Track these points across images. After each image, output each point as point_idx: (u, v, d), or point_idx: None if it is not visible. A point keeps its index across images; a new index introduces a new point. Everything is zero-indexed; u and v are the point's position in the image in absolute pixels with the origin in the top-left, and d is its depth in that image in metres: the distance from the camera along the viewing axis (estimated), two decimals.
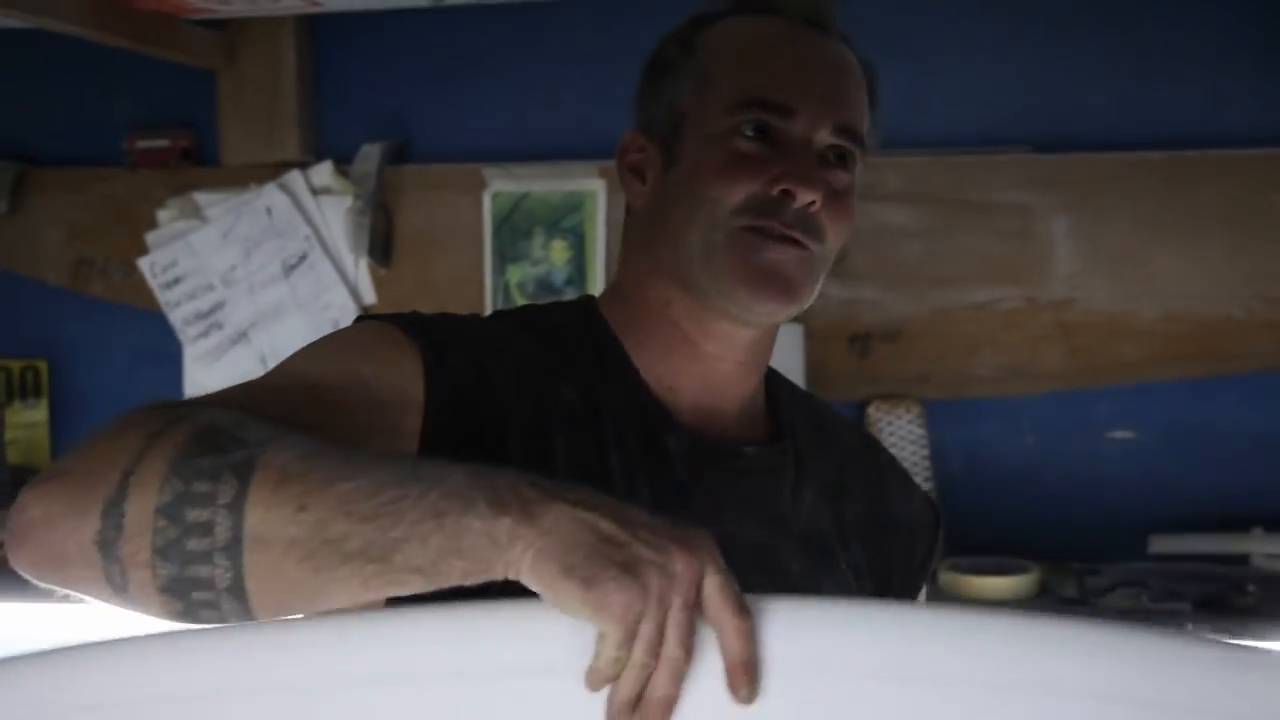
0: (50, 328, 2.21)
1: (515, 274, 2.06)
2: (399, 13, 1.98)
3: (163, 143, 2.13)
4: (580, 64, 2.07)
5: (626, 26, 2.10)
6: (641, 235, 1.04)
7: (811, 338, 1.98)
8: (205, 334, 2.09)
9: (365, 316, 0.97)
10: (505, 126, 2.08)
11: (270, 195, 2.06)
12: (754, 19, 1.05)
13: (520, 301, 2.08)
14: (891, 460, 1.21)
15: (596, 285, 2.08)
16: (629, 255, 1.06)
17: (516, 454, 0.92)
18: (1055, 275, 1.94)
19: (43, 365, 2.21)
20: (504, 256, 2.07)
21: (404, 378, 0.89)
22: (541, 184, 2.03)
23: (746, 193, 0.98)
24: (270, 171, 2.07)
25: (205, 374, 2.08)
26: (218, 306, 2.09)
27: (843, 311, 1.99)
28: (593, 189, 2.07)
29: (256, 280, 2.08)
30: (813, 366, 1.99)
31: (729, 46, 1.03)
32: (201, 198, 2.10)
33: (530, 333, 1.00)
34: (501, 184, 2.04)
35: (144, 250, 2.12)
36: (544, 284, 2.08)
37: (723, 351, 1.04)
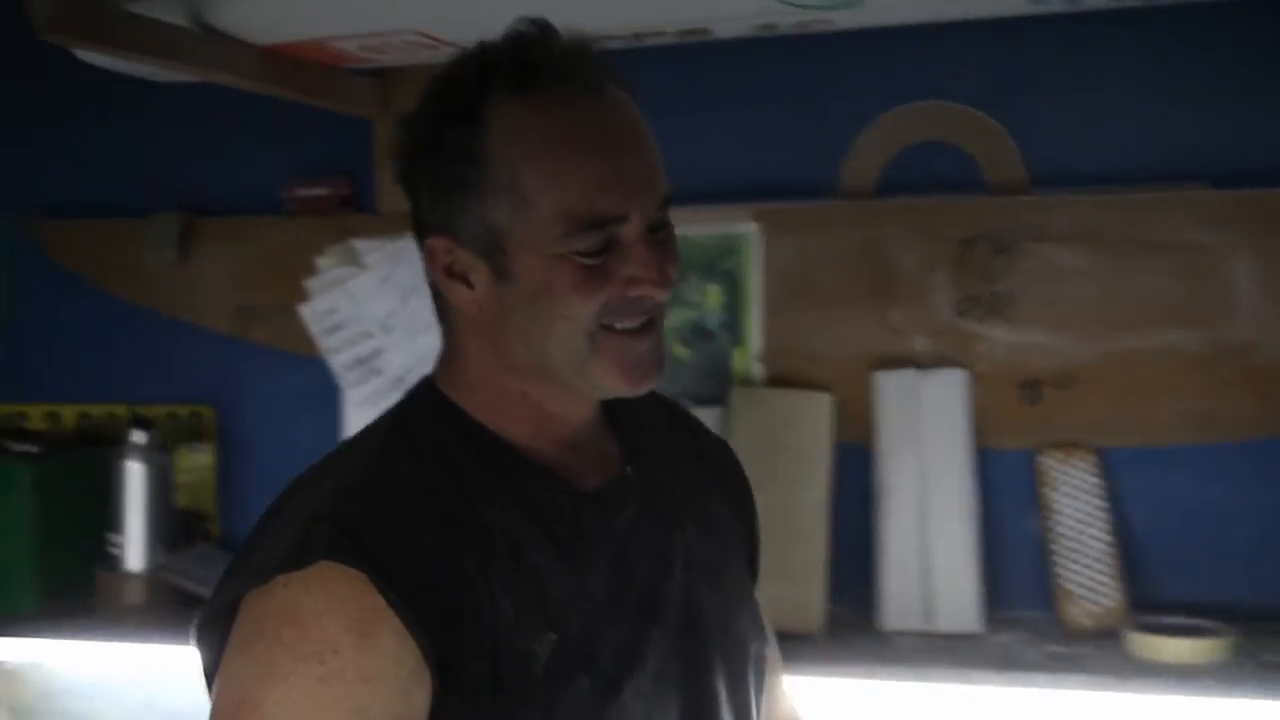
0: (215, 374, 2.25)
1: (672, 319, 2.04)
2: None
3: (321, 191, 2.16)
4: (731, 104, 2.05)
5: (775, 65, 2.09)
6: (485, 339, 1.05)
7: (978, 384, 1.91)
8: (365, 380, 2.11)
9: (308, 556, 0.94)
10: None
11: None
12: (538, 102, 1.00)
13: (678, 351, 2.06)
14: (686, 410, 1.32)
15: (751, 330, 2.04)
16: (472, 353, 1.07)
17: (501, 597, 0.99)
18: (1238, 317, 1.84)
19: (209, 411, 2.25)
20: None
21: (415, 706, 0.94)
22: (695, 227, 2.00)
23: (601, 302, 1.00)
24: None
25: (366, 419, 2.08)
26: (376, 352, 2.11)
27: (1011, 356, 1.91)
28: (746, 232, 2.04)
29: (414, 326, 2.09)
30: (979, 414, 1.92)
31: (533, 157, 0.99)
32: (360, 244, 2.12)
33: (419, 460, 1.02)
34: None
35: (304, 297, 2.15)
36: (698, 329, 2.05)
37: (582, 414, 1.10)
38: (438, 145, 1.01)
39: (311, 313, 2.12)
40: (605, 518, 1.08)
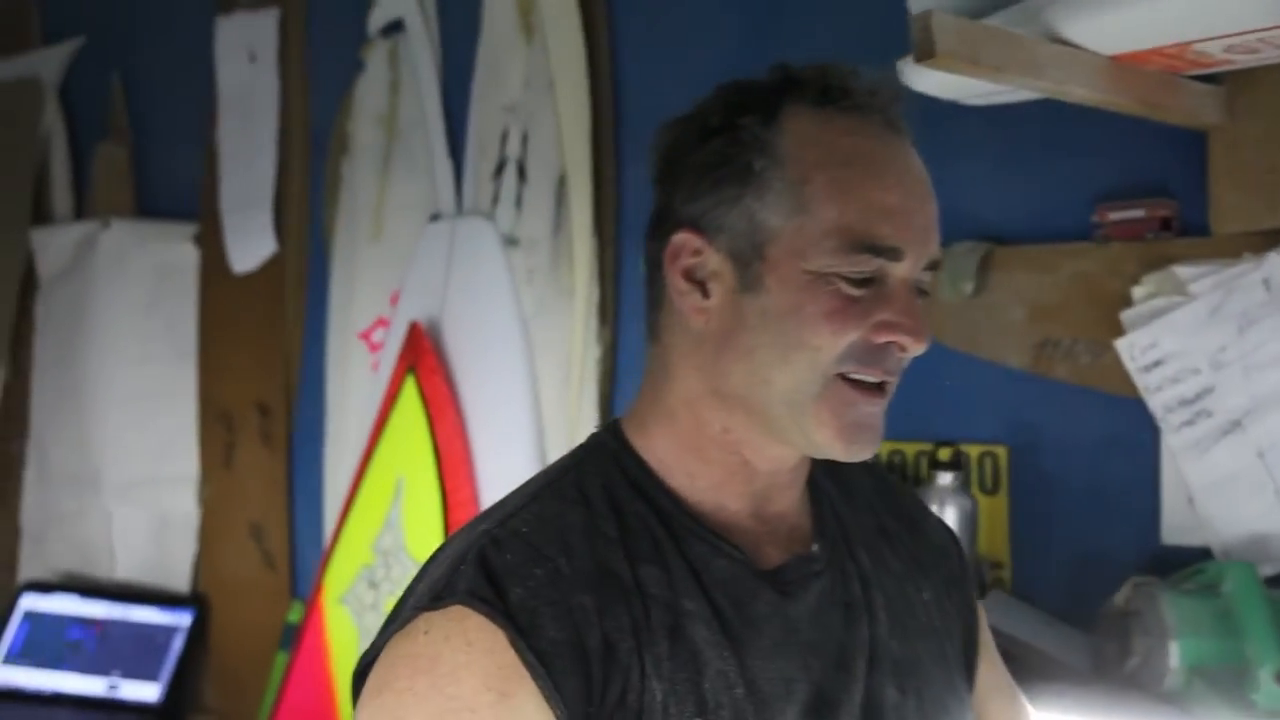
0: (1010, 413, 2.12)
1: None
2: None
3: (1138, 213, 1.95)
4: None
5: None
6: (702, 356, 0.98)
7: None
8: (1191, 422, 1.87)
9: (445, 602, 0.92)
10: None
11: (1271, 266, 1.80)
12: (839, 121, 0.96)
13: None
14: (899, 482, 1.24)
15: None
16: (680, 373, 0.99)
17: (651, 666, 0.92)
18: None
19: (1002, 451, 2.12)
20: None
21: None
22: None
23: (851, 340, 0.94)
24: (1269, 240, 1.81)
25: (1191, 466, 1.85)
26: (1205, 392, 1.86)
27: None
28: None
29: (1252, 362, 1.82)
30: None
31: (827, 166, 0.94)
32: (1183, 271, 1.89)
33: (584, 508, 0.96)
34: None
35: (1114, 330, 1.95)
36: None
37: (777, 468, 1.02)
38: (723, 132, 0.96)
39: (1129, 347, 1.92)
40: (781, 599, 0.99)
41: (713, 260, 0.99)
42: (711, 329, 1.00)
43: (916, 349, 0.98)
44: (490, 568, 0.92)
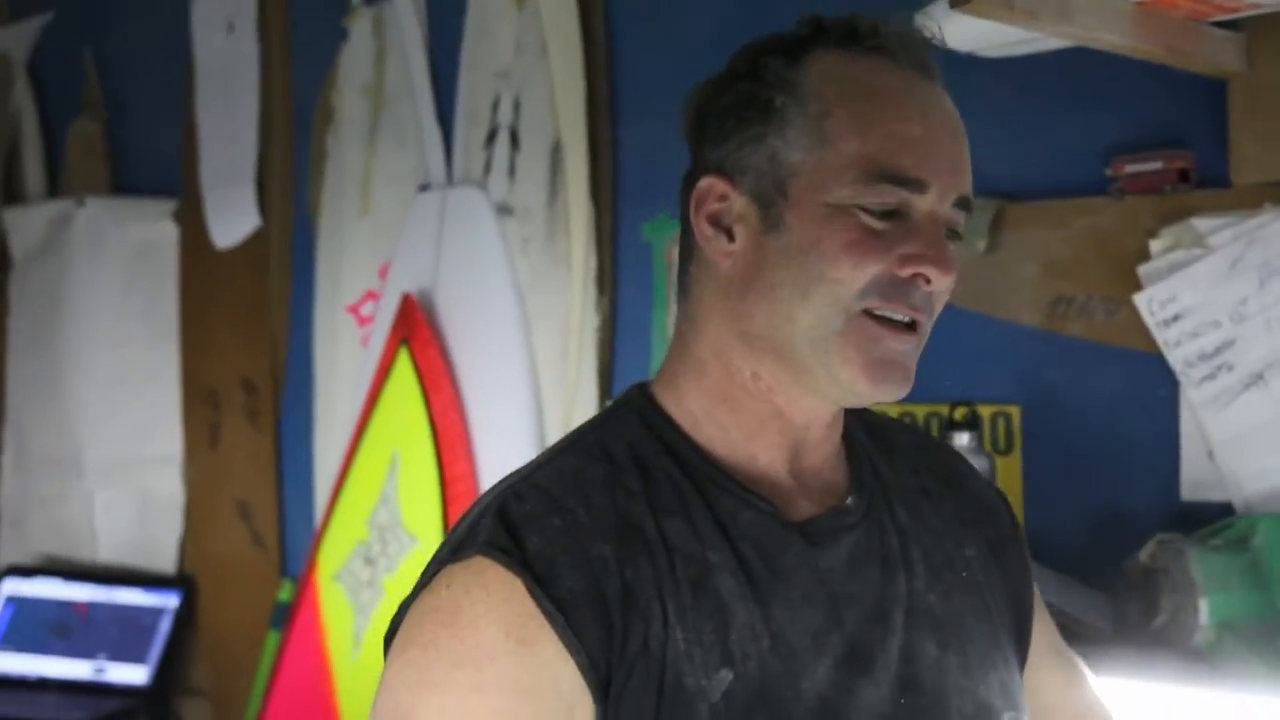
0: (1023, 372, 2.09)
1: None
2: None
3: (1154, 165, 1.92)
4: None
5: None
6: (729, 301, 0.96)
7: None
8: (1211, 376, 1.85)
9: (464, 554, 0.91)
10: None
11: None
12: (864, 61, 0.95)
13: None
14: (945, 444, 1.23)
15: None
16: (708, 321, 0.98)
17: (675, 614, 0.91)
18: None
19: (1015, 411, 2.09)
20: None
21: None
22: None
23: (873, 274, 0.91)
24: None
25: (1212, 421, 1.83)
26: (1226, 345, 1.84)
27: None
28: None
29: (1273, 315, 1.80)
30: None
31: (849, 99, 0.93)
32: (1202, 223, 1.86)
33: (607, 463, 0.95)
34: None
35: (1130, 286, 1.92)
36: None
37: (810, 420, 0.99)
38: (748, 75, 0.96)
39: (1147, 302, 1.90)
40: (812, 552, 0.97)
41: (738, 204, 0.97)
42: (737, 272, 0.98)
43: (942, 282, 0.95)
44: (509, 519, 0.92)
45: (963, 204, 0.97)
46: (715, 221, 0.98)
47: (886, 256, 0.93)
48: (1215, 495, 1.85)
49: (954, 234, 0.98)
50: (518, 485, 0.95)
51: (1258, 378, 1.80)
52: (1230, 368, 1.83)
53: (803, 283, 0.93)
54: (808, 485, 1.02)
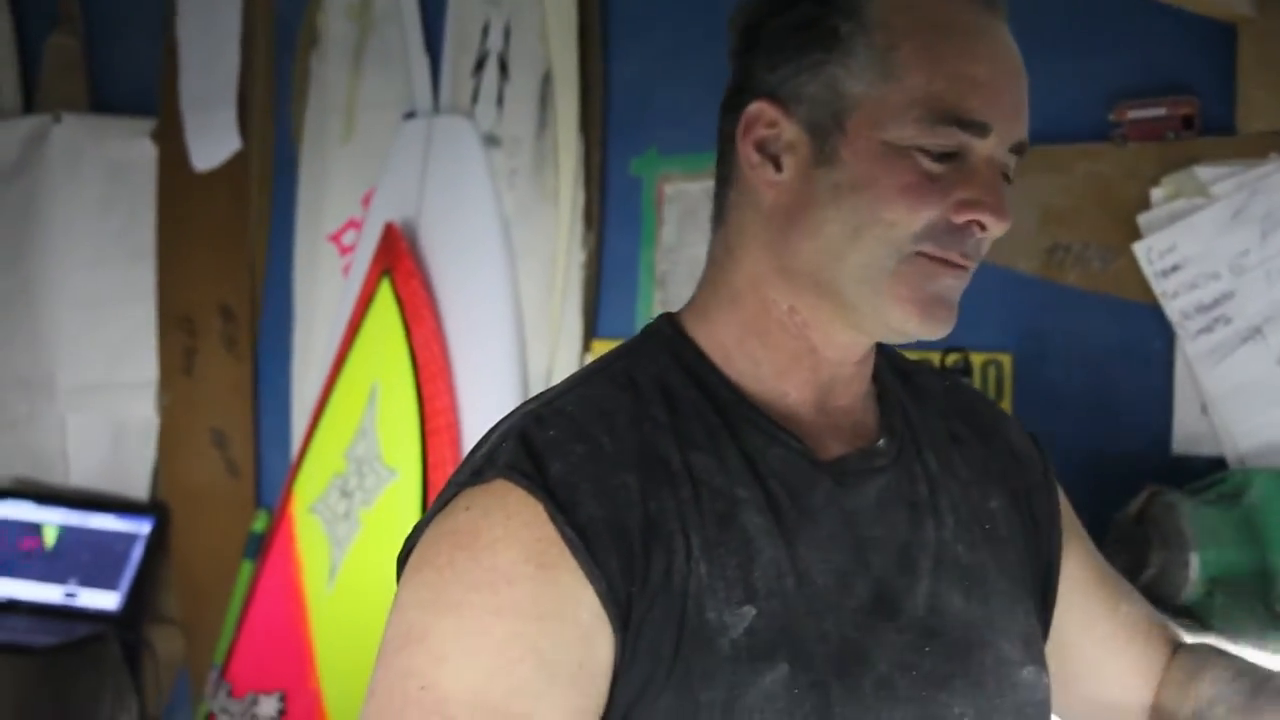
0: (1016, 319, 2.06)
1: None
2: None
3: (1158, 111, 1.88)
4: None
5: None
6: (770, 232, 0.94)
7: None
8: (1209, 329, 1.82)
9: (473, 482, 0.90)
10: None
11: None
12: None
13: None
14: (975, 390, 1.18)
15: None
16: (746, 252, 0.96)
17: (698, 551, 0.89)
18: None
19: (1006, 359, 2.06)
20: None
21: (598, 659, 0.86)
22: None
23: (929, 219, 0.89)
24: None
25: (1208, 374, 1.80)
26: (1224, 297, 1.81)
27: None
28: None
29: (1275, 267, 1.77)
30: None
31: (916, 33, 0.90)
32: (1205, 172, 1.83)
33: (633, 392, 0.93)
34: None
35: (1130, 235, 1.89)
36: None
37: (844, 357, 0.98)
38: None
39: (1146, 251, 1.86)
40: (841, 492, 0.95)
41: (789, 132, 0.93)
42: (782, 204, 0.94)
43: (998, 229, 0.92)
44: (531, 443, 0.90)
45: (1019, 148, 0.95)
46: (762, 148, 0.95)
47: (943, 201, 0.90)
48: (1208, 449, 1.83)
49: (1006, 178, 0.95)
50: (540, 410, 0.93)
51: (1256, 331, 1.77)
52: (1228, 320, 1.80)
53: (854, 222, 0.91)
54: (838, 424, 1.00)
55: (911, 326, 0.93)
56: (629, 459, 0.90)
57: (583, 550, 0.85)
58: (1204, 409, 1.82)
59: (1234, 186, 1.80)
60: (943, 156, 0.90)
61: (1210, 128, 1.85)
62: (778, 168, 0.94)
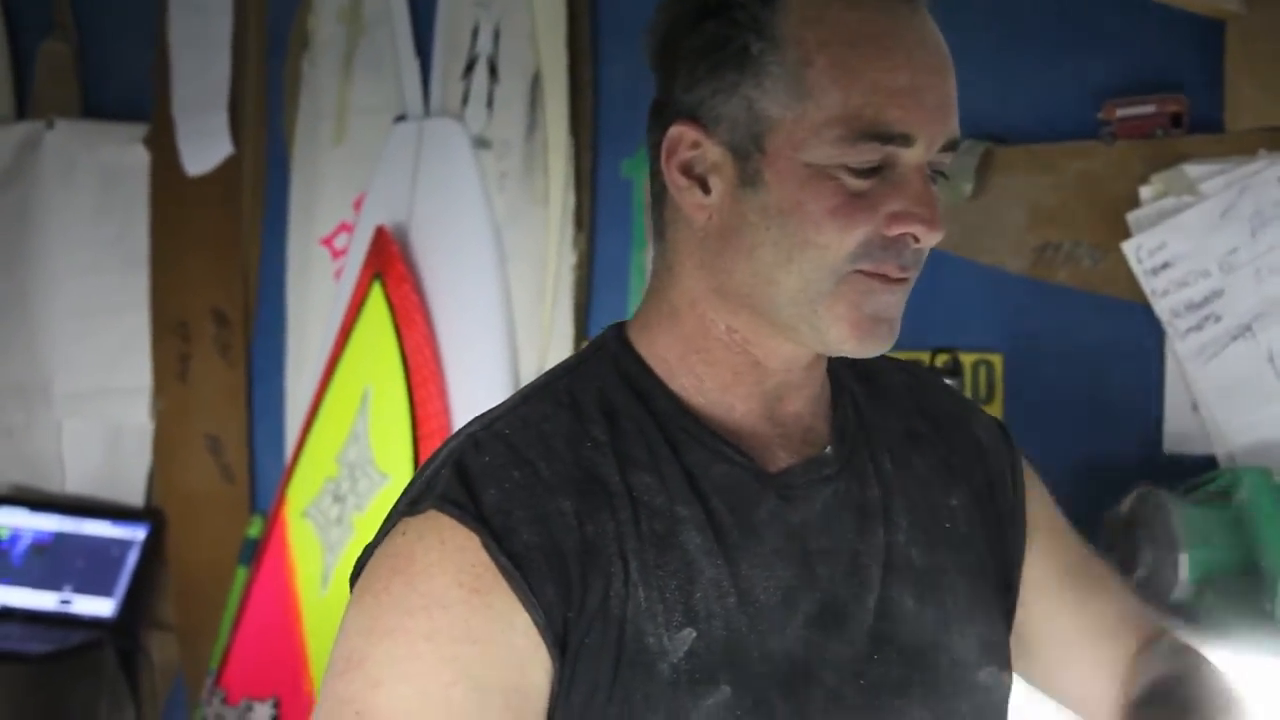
0: (1006, 319, 2.05)
1: None
2: None
3: (1147, 109, 1.88)
4: None
5: None
6: (705, 253, 0.92)
7: None
8: (1198, 327, 1.81)
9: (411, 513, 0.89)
10: None
11: None
12: None
13: None
14: (938, 381, 1.16)
15: None
16: (683, 270, 0.94)
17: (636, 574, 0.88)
18: None
19: (997, 359, 2.05)
20: None
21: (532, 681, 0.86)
22: None
23: (861, 237, 0.87)
24: None
25: (1198, 372, 1.80)
26: (1214, 295, 1.80)
27: None
28: None
29: (1264, 265, 1.76)
30: None
31: (827, 48, 0.87)
32: (1194, 170, 1.82)
33: (572, 412, 0.92)
34: None
35: (1119, 233, 1.88)
36: None
37: (789, 366, 0.96)
38: (720, 13, 0.89)
39: (1136, 249, 1.85)
40: (786, 506, 0.93)
41: (712, 153, 0.90)
42: (714, 226, 0.92)
43: (931, 239, 0.90)
44: (466, 472, 0.89)
45: (950, 145, 0.92)
46: (688, 171, 0.92)
47: (874, 217, 0.88)
48: (1198, 448, 1.82)
49: (942, 174, 0.93)
50: (479, 434, 0.92)
51: (1245, 329, 1.77)
52: (1218, 318, 1.79)
53: (786, 246, 0.89)
54: (789, 433, 0.98)
55: (849, 347, 0.91)
56: (566, 483, 0.89)
57: (518, 578, 0.84)
58: (1194, 407, 1.82)
59: (1223, 184, 1.79)
60: (868, 171, 0.88)
61: (1199, 125, 1.84)
62: (705, 189, 0.92)
